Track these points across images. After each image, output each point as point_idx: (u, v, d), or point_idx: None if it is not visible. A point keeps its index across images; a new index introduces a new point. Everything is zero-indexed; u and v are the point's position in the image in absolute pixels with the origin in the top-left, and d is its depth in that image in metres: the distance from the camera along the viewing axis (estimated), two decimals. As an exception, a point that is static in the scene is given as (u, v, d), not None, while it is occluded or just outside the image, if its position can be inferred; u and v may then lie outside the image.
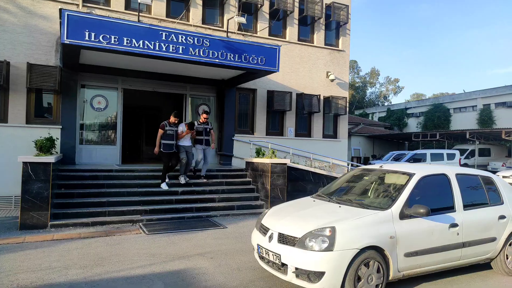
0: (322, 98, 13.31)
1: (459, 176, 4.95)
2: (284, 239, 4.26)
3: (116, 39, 7.87)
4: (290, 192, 10.02)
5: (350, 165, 12.86)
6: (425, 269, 4.43)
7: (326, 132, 13.60)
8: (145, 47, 8.15)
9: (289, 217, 4.58)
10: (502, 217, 4.99)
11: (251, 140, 11.01)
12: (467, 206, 4.78)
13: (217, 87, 11.89)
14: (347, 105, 13.54)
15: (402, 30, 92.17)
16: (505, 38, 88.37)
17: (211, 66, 9.16)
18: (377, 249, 4.05)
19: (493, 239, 4.88)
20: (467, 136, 31.38)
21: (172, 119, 8.99)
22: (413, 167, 5.05)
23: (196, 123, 9.54)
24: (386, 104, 61.03)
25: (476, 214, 4.80)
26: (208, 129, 9.67)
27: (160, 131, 8.84)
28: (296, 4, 12.72)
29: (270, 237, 4.43)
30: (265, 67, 9.37)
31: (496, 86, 39.19)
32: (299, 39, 13.01)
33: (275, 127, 12.81)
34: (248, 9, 12.01)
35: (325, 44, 13.47)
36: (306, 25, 13.30)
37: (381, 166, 5.26)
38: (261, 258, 4.60)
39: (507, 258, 5.01)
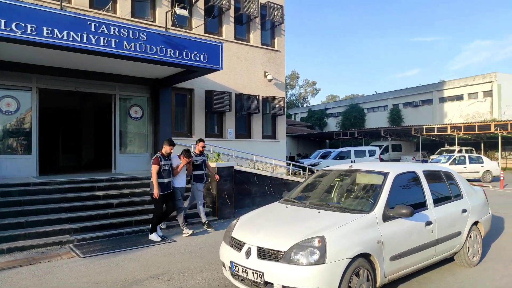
0: (260, 98, 13.06)
1: (425, 173, 4.95)
2: (265, 254, 3.77)
3: (33, 29, 6.61)
4: (236, 196, 9.54)
5: (291, 165, 12.80)
6: (406, 271, 4.30)
7: (265, 133, 13.39)
8: (70, 39, 7.00)
9: (266, 228, 4.10)
10: (464, 210, 5.11)
11: (191, 144, 10.26)
12: (436, 202, 4.78)
13: (150, 87, 10.89)
14: (285, 105, 13.50)
15: (314, 37, 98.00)
16: (402, 47, 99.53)
17: (148, 63, 8.25)
18: (366, 256, 3.78)
19: (458, 233, 4.97)
20: (382, 133, 34.03)
21: (167, 148, 7.04)
22: (383, 166, 4.94)
23: (193, 154, 7.72)
24: (305, 105, 63.96)
25: (444, 210, 4.83)
26: (205, 161, 8.03)
27: (155, 168, 6.77)
28: (232, 2, 12.29)
29: (247, 253, 3.90)
30: (208, 65, 8.75)
31: (403, 88, 43.12)
32: (235, 38, 12.60)
33: (214, 129, 12.22)
34: (182, 4, 11.24)
35: (262, 44, 13.25)
36: (242, 24, 12.95)
37: (350, 166, 5.05)
38: (236, 276, 4.05)
39: (468, 250, 5.16)
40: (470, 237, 5.18)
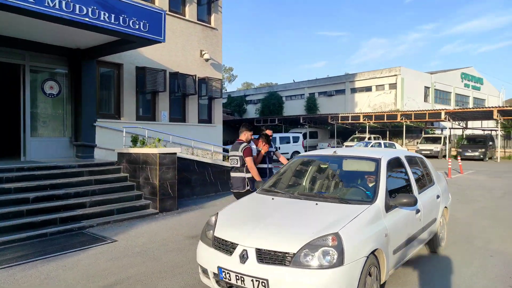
0: (197, 79, 12.06)
1: (407, 159, 4.77)
2: (268, 257, 3.13)
3: None
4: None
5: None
6: (400, 263, 4.05)
7: (201, 117, 12.48)
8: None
9: (261, 225, 3.44)
10: (437, 196, 5.09)
11: (124, 127, 8.94)
12: (419, 189, 4.63)
13: (70, 58, 9.18)
14: (222, 87, 12.72)
15: (229, 25, 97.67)
16: (310, 39, 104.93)
17: (75, 27, 6.78)
18: (374, 253, 3.39)
19: (434, 220, 4.92)
20: (301, 121, 35.21)
21: (248, 134, 5.70)
22: (369, 152, 4.63)
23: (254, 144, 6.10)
24: (223, 91, 63.44)
25: (426, 196, 4.71)
26: (272, 153, 6.46)
27: (251, 160, 5.41)
28: (166, -32, 11.00)
29: (243, 256, 3.22)
30: (149, 35, 7.56)
31: (319, 78, 45.09)
32: (170, 10, 11.34)
33: (146, 111, 10.92)
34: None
35: (198, 20, 12.19)
36: (177, -6, 11.73)
37: (334, 152, 4.62)
38: (224, 285, 3.34)
39: (439, 236, 5.17)
40: (440, 223, 5.20)
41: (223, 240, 3.48)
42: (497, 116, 23.84)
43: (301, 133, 33.07)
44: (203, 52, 12.18)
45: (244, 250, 3.24)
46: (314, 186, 4.40)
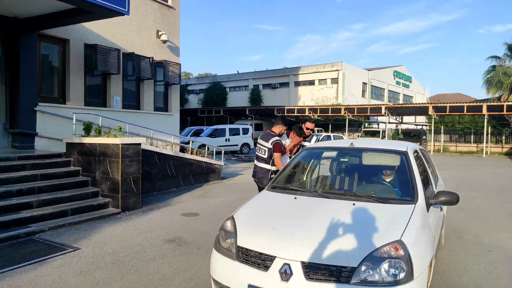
0: (154, 62, 10.91)
1: (421, 151, 4.48)
2: (319, 272, 2.55)
3: None
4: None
5: (191, 142, 11.25)
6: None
7: (157, 104, 11.36)
8: None
9: (301, 231, 2.84)
10: None
11: (74, 112, 7.65)
12: (435, 184, 4.36)
13: (4, 29, 7.62)
14: (180, 73, 11.69)
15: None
16: (252, 33, 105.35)
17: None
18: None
19: (444, 216, 4.71)
20: (247, 113, 34.85)
21: (282, 128, 5.50)
22: (389, 144, 4.23)
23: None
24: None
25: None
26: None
27: (279, 156, 5.26)
28: None
29: (285, 272, 2.61)
30: (111, 5, 6.43)
31: (263, 70, 44.99)
32: (124, -18, 10.03)
33: (96, 95, 9.59)
34: None
35: (154, -4, 11.01)
36: (131, -34, 10.41)
37: (352, 144, 4.14)
38: None
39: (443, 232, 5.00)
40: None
41: (253, 251, 2.82)
42: (432, 112, 25.58)
43: (251, 124, 32.78)
44: (160, 33, 11.05)
45: (285, 264, 2.63)
46: (335, 182, 3.89)
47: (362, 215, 3.04)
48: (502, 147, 27.46)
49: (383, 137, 29.08)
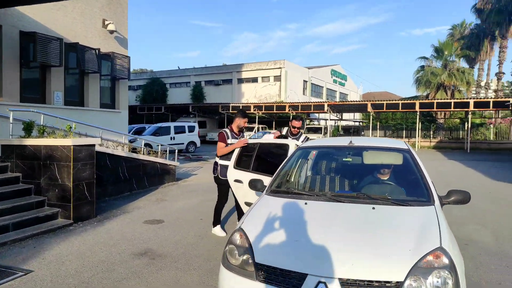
0: (100, 54, 9.87)
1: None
2: None
3: None
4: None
5: (143, 142, 10.41)
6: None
7: (103, 101, 10.31)
8: None
9: (329, 242, 2.52)
10: None
11: (10, 109, 6.53)
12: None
13: None
14: (130, 66, 10.74)
15: None
16: (188, 29, 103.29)
17: None
18: None
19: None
20: (190, 110, 33.89)
21: (240, 121, 5.57)
22: (387, 142, 4.08)
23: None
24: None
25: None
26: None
27: (220, 145, 5.51)
28: None
29: None
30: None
31: (206, 66, 44.10)
32: (64, -37, 8.90)
33: (35, 90, 8.39)
34: None
35: (99, -19, 9.96)
36: None
37: (351, 142, 3.90)
38: None
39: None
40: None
41: (277, 269, 2.45)
42: (370, 109, 26.91)
43: (196, 122, 31.90)
44: (106, 22, 10.03)
45: (320, 282, 2.30)
46: (339, 184, 3.63)
47: (388, 220, 2.82)
48: (430, 141, 29.78)
49: (325, 133, 30.06)
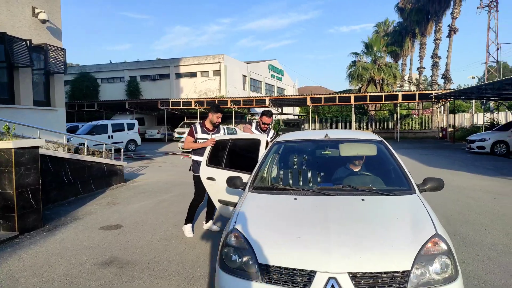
0: (31, 46, 8.87)
1: None
2: (370, 282, 2.27)
3: None
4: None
5: (86, 141, 9.62)
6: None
7: (37, 98, 9.32)
8: None
9: (332, 237, 2.49)
10: None
11: None
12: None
13: None
14: (66, 60, 9.81)
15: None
16: (117, 20, 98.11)
17: None
18: None
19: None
20: (127, 106, 32.26)
21: (213, 116, 5.33)
22: (360, 134, 4.17)
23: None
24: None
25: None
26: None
27: (187, 139, 5.36)
28: None
29: None
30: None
31: (141, 60, 42.24)
32: None
33: (-45, 87, 7.30)
34: None
35: (27, -36, 8.92)
36: None
37: (326, 135, 3.91)
38: None
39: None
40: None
41: (282, 268, 2.38)
42: (309, 103, 27.83)
43: (133, 119, 30.47)
44: (37, 11, 9.03)
45: (331, 278, 2.27)
46: (321, 177, 3.64)
47: (379, 211, 2.88)
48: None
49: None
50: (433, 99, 24.70)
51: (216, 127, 5.45)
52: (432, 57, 35.57)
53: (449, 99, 24.58)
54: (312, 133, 4.62)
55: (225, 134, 5.70)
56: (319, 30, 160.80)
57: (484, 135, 17.04)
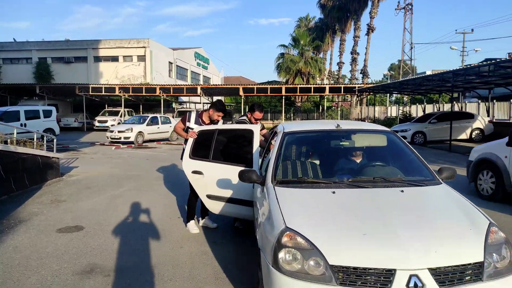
0: None
1: None
2: (449, 276, 2.22)
3: None
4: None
5: (15, 131, 8.22)
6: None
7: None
8: None
9: (402, 232, 2.38)
10: None
11: None
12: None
13: None
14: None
15: None
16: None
17: None
18: None
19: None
20: (37, 91, 28.80)
21: (214, 114, 4.95)
22: (372, 125, 4.15)
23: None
24: None
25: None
26: None
27: (178, 126, 5.13)
28: None
29: (414, 286, 2.16)
30: None
31: (52, 40, 37.92)
32: None
33: None
34: None
35: None
36: None
37: (338, 126, 3.78)
38: None
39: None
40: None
41: (358, 269, 2.22)
42: (242, 93, 27.80)
43: (46, 105, 27.23)
44: None
45: (412, 276, 2.18)
46: (343, 168, 3.52)
47: (425, 202, 2.89)
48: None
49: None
50: (357, 92, 26.46)
51: (212, 123, 5.04)
52: (351, 53, 38.11)
53: (370, 93, 26.56)
54: (320, 123, 4.50)
55: None
56: (239, 20, 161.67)
57: (404, 126, 18.73)
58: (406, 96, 28.22)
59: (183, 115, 5.11)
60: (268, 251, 2.51)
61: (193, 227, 4.99)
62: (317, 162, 3.64)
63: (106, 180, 8.68)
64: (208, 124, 5.07)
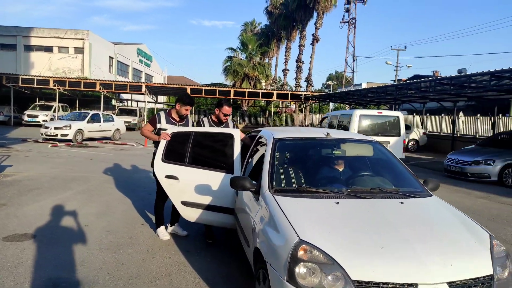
0: None
1: None
2: None
3: None
4: None
5: None
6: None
7: None
8: None
9: (416, 245, 2.38)
10: None
11: None
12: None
13: None
14: None
15: None
16: None
17: None
18: None
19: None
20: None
21: (181, 108, 4.71)
22: (358, 134, 4.16)
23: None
24: None
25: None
26: None
27: (146, 128, 4.79)
28: None
29: None
30: None
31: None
32: None
33: None
34: None
35: None
36: None
37: (328, 134, 3.74)
38: None
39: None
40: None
41: (380, 284, 2.18)
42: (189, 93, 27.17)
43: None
44: None
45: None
46: (335, 178, 3.48)
47: (425, 214, 2.95)
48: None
49: (140, 115, 28.50)
50: (303, 100, 27.24)
51: (183, 119, 4.76)
52: (296, 61, 39.23)
53: (316, 101, 27.50)
54: (309, 130, 4.44)
55: (193, 127, 4.97)
56: (182, 19, 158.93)
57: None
58: (348, 106, 29.69)
59: (152, 117, 4.78)
60: (280, 265, 2.37)
61: (164, 233, 4.68)
62: (310, 170, 3.58)
63: (50, 182, 7.87)
64: (178, 121, 4.80)
